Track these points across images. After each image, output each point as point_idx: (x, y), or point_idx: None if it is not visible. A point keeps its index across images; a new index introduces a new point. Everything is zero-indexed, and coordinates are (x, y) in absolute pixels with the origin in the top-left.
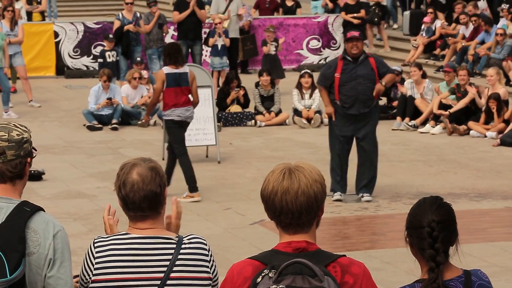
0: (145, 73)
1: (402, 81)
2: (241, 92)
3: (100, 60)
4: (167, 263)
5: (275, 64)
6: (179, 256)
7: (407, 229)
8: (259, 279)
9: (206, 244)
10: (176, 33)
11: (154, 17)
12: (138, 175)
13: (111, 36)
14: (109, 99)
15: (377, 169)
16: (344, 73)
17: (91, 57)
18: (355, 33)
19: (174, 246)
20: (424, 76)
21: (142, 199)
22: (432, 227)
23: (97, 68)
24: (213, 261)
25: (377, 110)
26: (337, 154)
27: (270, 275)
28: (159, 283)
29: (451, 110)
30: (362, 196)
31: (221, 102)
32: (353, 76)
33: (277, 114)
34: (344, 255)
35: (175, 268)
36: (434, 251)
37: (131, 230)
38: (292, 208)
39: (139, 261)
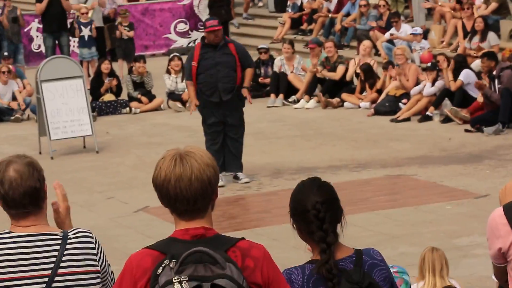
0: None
1: (271, 58)
2: (114, 82)
3: None
4: (54, 259)
5: (128, 48)
6: (66, 252)
7: (292, 215)
8: (159, 271)
9: (92, 237)
10: (41, 26)
11: (10, 12)
12: (16, 172)
13: None
14: None
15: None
16: (203, 59)
17: None
18: (214, 22)
19: (60, 242)
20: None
21: (23, 196)
22: (317, 209)
23: None
24: (101, 253)
25: (240, 98)
26: (211, 140)
27: (170, 265)
28: (46, 280)
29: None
30: (238, 178)
31: (94, 91)
32: (212, 63)
33: (151, 99)
34: (243, 238)
35: (62, 264)
36: (323, 232)
37: (14, 228)
38: (187, 194)
39: (25, 260)
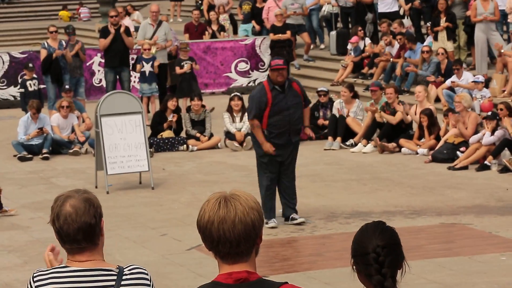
0: None
1: (330, 101)
2: (174, 119)
3: (21, 89)
4: None
5: (191, 83)
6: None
7: (353, 257)
8: None
9: (147, 274)
10: (103, 60)
11: (73, 46)
12: (72, 207)
13: (30, 65)
14: (40, 128)
15: None
16: (275, 103)
17: (18, 87)
18: (279, 61)
19: (115, 277)
20: (355, 96)
21: (77, 231)
22: (377, 252)
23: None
24: None
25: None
26: (267, 181)
27: None
28: None
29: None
30: (293, 218)
31: (156, 125)
32: (284, 107)
33: (208, 138)
34: (286, 282)
35: None
36: (381, 276)
37: (70, 263)
38: (230, 237)
39: None
